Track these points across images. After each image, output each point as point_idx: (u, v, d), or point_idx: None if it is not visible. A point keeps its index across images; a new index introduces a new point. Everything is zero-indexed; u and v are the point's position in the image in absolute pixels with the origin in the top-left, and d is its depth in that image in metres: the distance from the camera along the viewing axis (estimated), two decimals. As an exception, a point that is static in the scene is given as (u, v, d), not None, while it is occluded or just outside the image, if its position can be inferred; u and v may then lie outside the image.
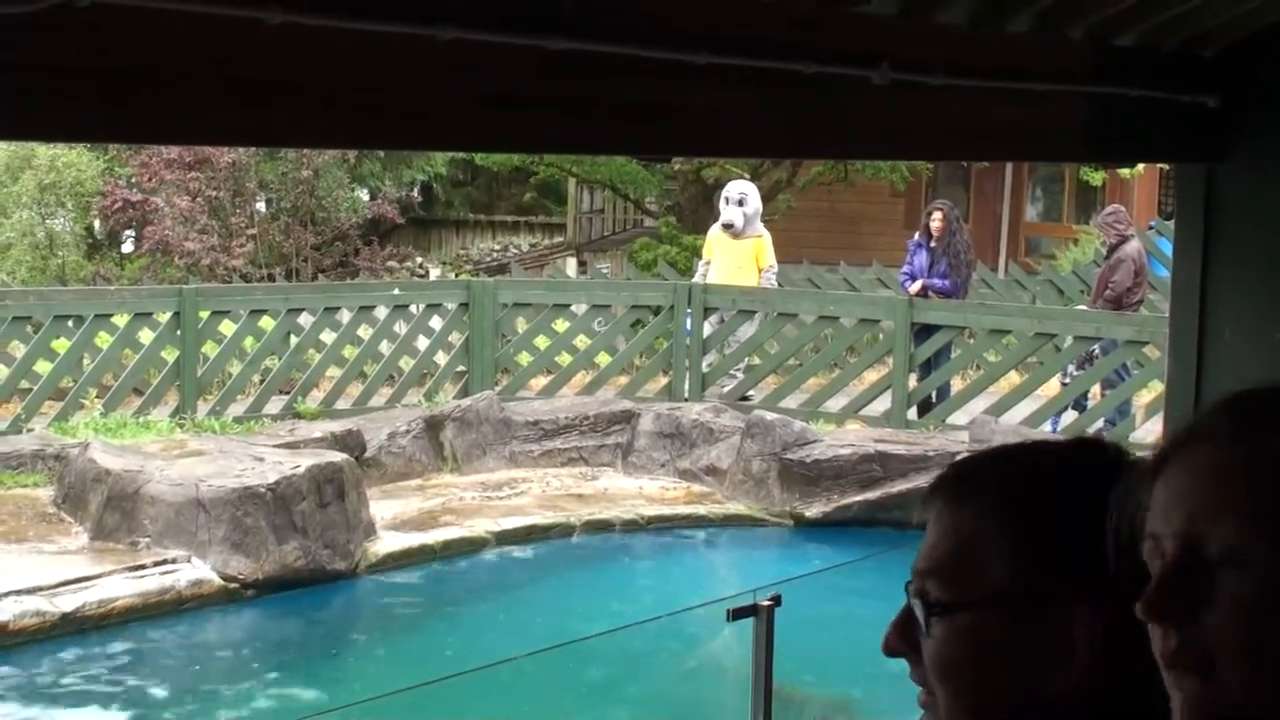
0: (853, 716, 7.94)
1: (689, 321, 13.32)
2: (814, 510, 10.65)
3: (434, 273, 20.21)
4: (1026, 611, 1.31)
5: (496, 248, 23.48)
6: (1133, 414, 12.26)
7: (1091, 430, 11.97)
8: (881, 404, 12.67)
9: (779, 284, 14.39)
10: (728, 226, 14.01)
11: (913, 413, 12.61)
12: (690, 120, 3.34)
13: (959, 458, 1.45)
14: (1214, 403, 1.16)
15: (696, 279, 14.20)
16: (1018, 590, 1.32)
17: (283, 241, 18.32)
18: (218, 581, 8.78)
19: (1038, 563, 1.32)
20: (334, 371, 12.96)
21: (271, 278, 17.31)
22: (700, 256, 14.84)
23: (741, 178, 15.57)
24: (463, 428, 11.53)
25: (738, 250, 13.98)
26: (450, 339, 13.42)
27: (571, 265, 20.69)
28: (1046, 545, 1.32)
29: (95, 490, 9.35)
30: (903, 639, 1.37)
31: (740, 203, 14.03)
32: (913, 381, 12.77)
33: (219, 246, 17.35)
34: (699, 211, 18.60)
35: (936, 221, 13.38)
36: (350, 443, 10.69)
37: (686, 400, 12.93)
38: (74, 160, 17.82)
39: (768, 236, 14.28)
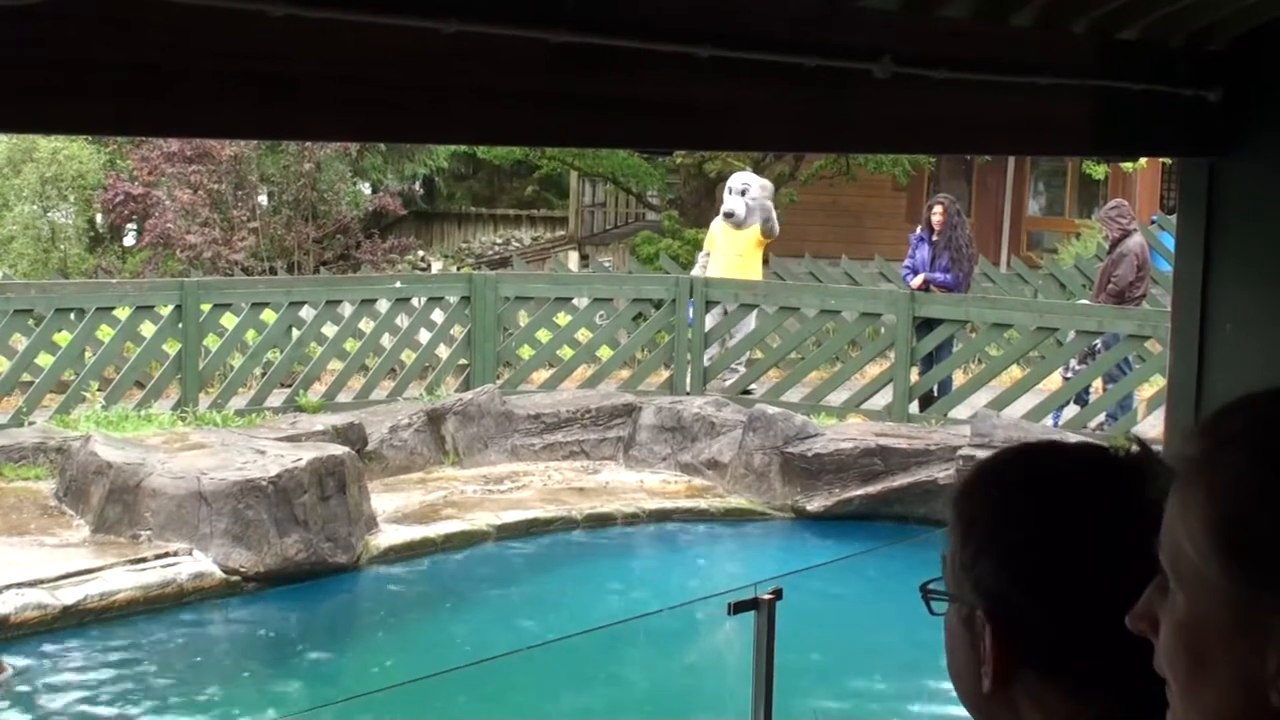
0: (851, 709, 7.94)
1: (691, 312, 13.33)
2: (815, 504, 10.65)
3: (436, 266, 20.21)
4: (961, 614, 1.37)
5: (498, 241, 23.47)
6: (1134, 408, 12.26)
7: (1093, 425, 11.98)
8: (883, 398, 12.67)
9: (781, 277, 14.39)
10: (729, 215, 14.03)
11: (914, 407, 12.61)
12: (695, 115, 3.33)
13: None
14: (1205, 417, 1.16)
15: (695, 271, 14.20)
16: (951, 592, 1.38)
17: (284, 235, 18.31)
18: (219, 574, 8.78)
19: (963, 570, 1.37)
20: (335, 365, 12.96)
21: (273, 271, 17.30)
22: (700, 249, 14.84)
23: (744, 170, 15.57)
24: (464, 421, 11.54)
25: (738, 239, 14.01)
26: (452, 332, 13.43)
27: (573, 259, 20.68)
28: (969, 555, 1.37)
29: (97, 483, 9.35)
30: None
31: (743, 193, 14.04)
32: (914, 375, 12.77)
33: (220, 240, 17.36)
34: (701, 205, 18.60)
35: (937, 215, 13.38)
36: (352, 436, 10.69)
37: (688, 394, 12.93)
38: (76, 153, 17.82)
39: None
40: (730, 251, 14.00)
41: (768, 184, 14.60)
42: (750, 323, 13.56)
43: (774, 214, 14.23)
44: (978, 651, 1.34)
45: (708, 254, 14.28)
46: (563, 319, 13.73)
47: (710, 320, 13.47)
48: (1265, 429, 1.09)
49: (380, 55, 2.72)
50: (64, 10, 2.26)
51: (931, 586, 1.41)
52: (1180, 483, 1.11)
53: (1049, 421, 12.04)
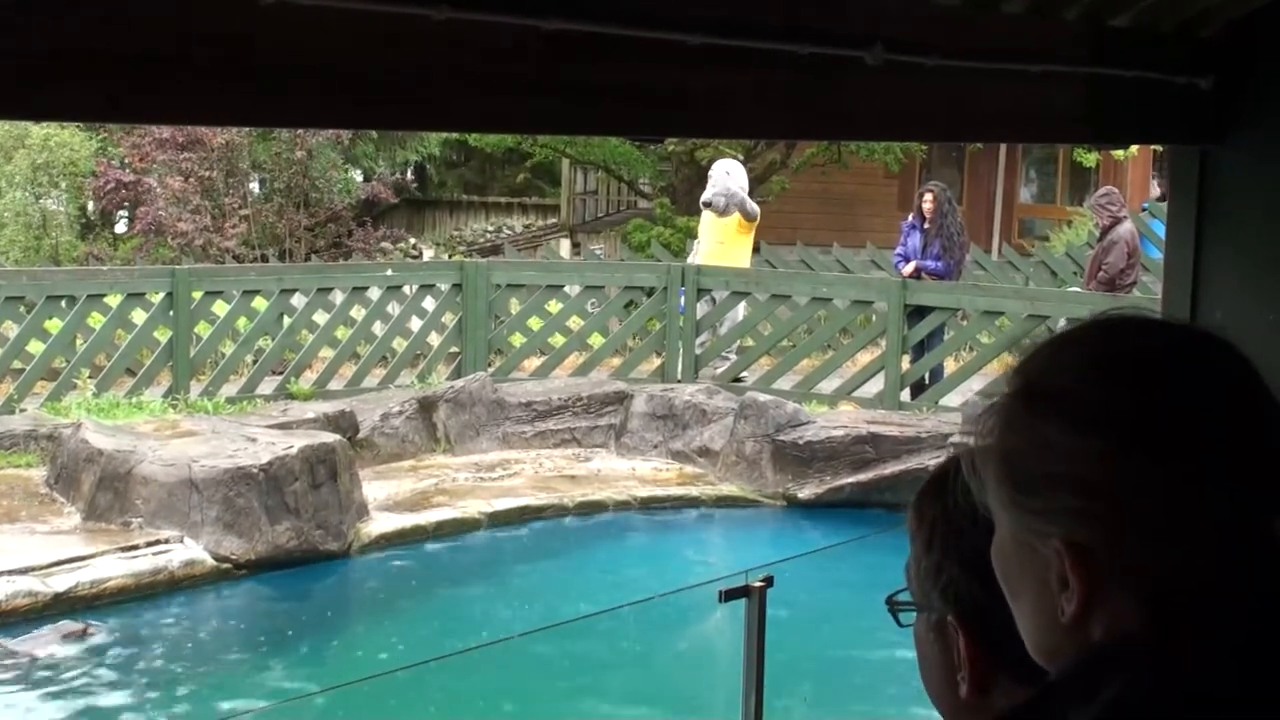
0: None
1: (682, 299, 13.32)
2: (806, 492, 10.66)
3: (427, 254, 20.19)
4: (931, 622, 1.36)
5: (490, 229, 23.44)
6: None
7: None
8: (874, 386, 12.67)
9: (772, 265, 14.37)
10: (706, 204, 14.05)
11: (906, 394, 12.62)
12: (687, 102, 3.33)
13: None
14: None
15: (690, 259, 14.21)
16: (919, 600, 1.38)
17: (276, 222, 18.29)
18: (210, 562, 8.77)
19: (929, 577, 1.36)
20: (327, 352, 12.95)
21: (265, 258, 17.27)
22: (693, 237, 14.83)
23: (735, 158, 15.55)
24: (456, 409, 11.53)
25: (719, 226, 14.01)
26: (443, 320, 13.42)
27: (565, 246, 20.66)
28: (934, 562, 1.36)
29: (88, 470, 9.34)
30: None
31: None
32: (906, 363, 12.77)
33: (212, 227, 17.33)
34: (693, 193, 18.53)
35: (928, 203, 13.38)
36: (343, 423, 10.69)
37: (679, 381, 12.93)
38: (67, 140, 17.78)
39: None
40: (712, 239, 14.01)
41: (735, 167, 14.45)
42: (738, 313, 13.55)
43: (745, 197, 14.13)
44: (951, 659, 1.32)
45: (699, 241, 14.28)
46: (554, 307, 13.72)
47: (702, 308, 13.47)
48: (1029, 366, 1.17)
49: (371, 42, 2.72)
50: (58, 0, 2.26)
51: (898, 598, 1.39)
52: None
53: (1040, 409, 12.03)
